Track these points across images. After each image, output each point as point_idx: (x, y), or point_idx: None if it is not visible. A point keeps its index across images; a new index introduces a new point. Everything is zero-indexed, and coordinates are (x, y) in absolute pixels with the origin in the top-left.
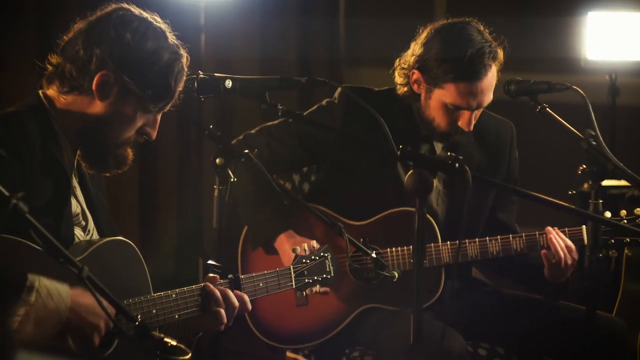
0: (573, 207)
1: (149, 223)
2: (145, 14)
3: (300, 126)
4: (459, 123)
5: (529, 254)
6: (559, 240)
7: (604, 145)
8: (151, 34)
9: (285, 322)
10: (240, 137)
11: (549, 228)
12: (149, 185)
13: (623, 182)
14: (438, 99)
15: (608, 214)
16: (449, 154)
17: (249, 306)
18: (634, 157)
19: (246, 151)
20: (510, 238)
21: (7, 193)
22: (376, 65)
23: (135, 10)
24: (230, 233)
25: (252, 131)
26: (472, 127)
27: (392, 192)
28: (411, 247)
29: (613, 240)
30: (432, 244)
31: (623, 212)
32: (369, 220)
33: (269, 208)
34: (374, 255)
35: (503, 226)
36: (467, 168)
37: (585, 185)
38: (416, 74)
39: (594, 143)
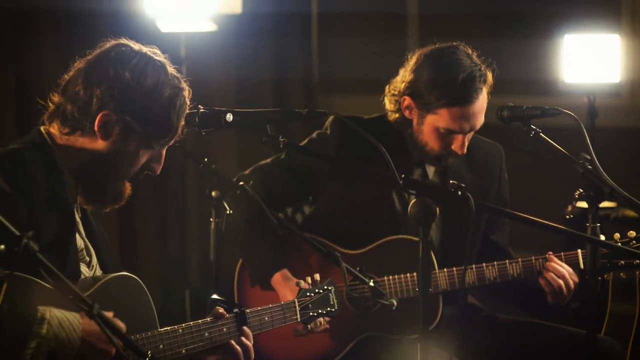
0: (574, 231)
1: (129, 253)
2: (144, 49)
3: (293, 161)
4: (453, 146)
5: (527, 280)
6: (558, 269)
7: (600, 168)
8: (150, 70)
9: (284, 353)
10: (234, 178)
11: (551, 255)
12: (128, 214)
13: (607, 204)
14: (431, 124)
15: (602, 237)
16: (450, 182)
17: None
18: (614, 177)
19: (241, 183)
20: (507, 263)
21: (17, 232)
22: (351, 90)
23: (135, 45)
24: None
25: (246, 172)
26: (465, 150)
27: (387, 220)
28: (407, 275)
29: (622, 262)
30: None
31: (617, 235)
32: (365, 249)
33: (265, 245)
34: (371, 283)
35: (497, 248)
36: (470, 195)
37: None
38: (407, 100)
39: (589, 167)
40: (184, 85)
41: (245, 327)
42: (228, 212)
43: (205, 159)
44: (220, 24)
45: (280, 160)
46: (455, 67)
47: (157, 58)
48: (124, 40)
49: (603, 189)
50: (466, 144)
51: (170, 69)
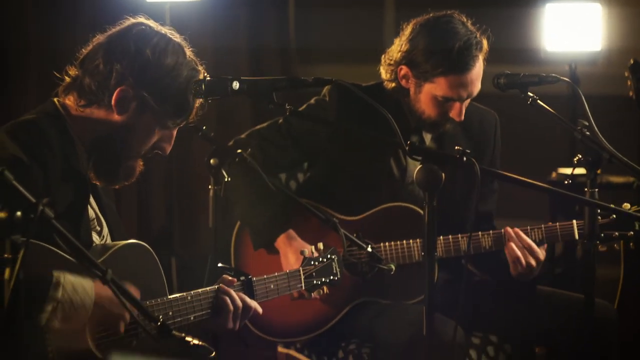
0: (573, 194)
1: None
2: (164, 30)
3: (290, 125)
4: (450, 114)
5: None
6: (517, 242)
7: (599, 134)
8: (170, 50)
9: (280, 316)
10: (231, 142)
11: (508, 229)
12: None
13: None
14: (428, 93)
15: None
16: (456, 147)
17: (260, 310)
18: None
19: (239, 151)
20: (480, 235)
21: (33, 199)
22: (327, 59)
23: (155, 25)
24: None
25: (242, 136)
26: (462, 117)
27: (385, 187)
28: (404, 242)
29: (617, 234)
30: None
31: (626, 205)
32: (362, 216)
33: (269, 210)
34: (369, 249)
35: (486, 216)
36: (475, 161)
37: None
38: (404, 70)
39: (587, 133)
40: (200, 68)
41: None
42: (226, 179)
43: (204, 127)
44: None
45: (278, 125)
46: (451, 36)
47: (175, 39)
48: (143, 19)
49: (602, 154)
50: (463, 110)
51: (188, 51)
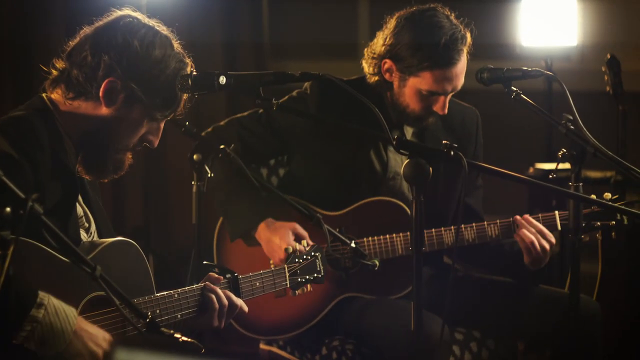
0: (561, 188)
1: None
2: (151, 22)
3: (270, 116)
4: (434, 107)
5: (505, 244)
6: (528, 227)
7: (583, 128)
8: (158, 42)
9: (264, 313)
10: (210, 129)
11: (518, 217)
12: None
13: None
14: (413, 87)
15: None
16: (444, 142)
17: (246, 309)
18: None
19: (222, 146)
20: (485, 225)
21: (22, 195)
22: (301, 55)
23: (142, 17)
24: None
25: (221, 123)
26: (446, 110)
27: (366, 181)
28: (387, 236)
29: (599, 223)
30: (408, 233)
31: (593, 197)
32: (344, 211)
33: (247, 199)
34: (353, 245)
35: (471, 211)
36: (462, 155)
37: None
38: (388, 63)
39: (572, 127)
40: (188, 60)
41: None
42: (209, 175)
43: (187, 123)
44: None
45: (259, 115)
46: (437, 30)
47: (163, 31)
48: (130, 11)
49: (587, 148)
50: (447, 104)
51: (175, 43)
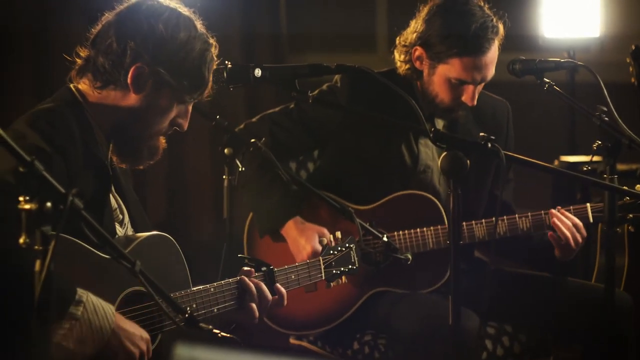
0: (596, 179)
1: None
2: (172, 3)
3: (302, 111)
4: (463, 98)
5: (534, 236)
6: (564, 221)
7: (619, 119)
8: (182, 24)
9: (295, 308)
10: (242, 125)
11: (553, 211)
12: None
13: (596, 158)
14: (442, 75)
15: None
16: (481, 134)
17: (285, 302)
18: (595, 133)
19: (253, 140)
20: (517, 218)
21: (63, 190)
22: (318, 46)
23: (163, 0)
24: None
25: (253, 120)
26: (475, 102)
27: (397, 175)
28: (418, 230)
29: (631, 215)
30: (440, 227)
31: (638, 187)
32: (375, 205)
33: (277, 195)
34: (385, 239)
35: (503, 204)
36: (500, 148)
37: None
38: (419, 51)
39: (606, 119)
40: (212, 41)
41: (279, 286)
42: (240, 169)
43: (218, 116)
44: None
45: (289, 110)
46: (468, 17)
47: (185, 13)
48: None
49: (621, 140)
50: (476, 96)
51: (199, 24)
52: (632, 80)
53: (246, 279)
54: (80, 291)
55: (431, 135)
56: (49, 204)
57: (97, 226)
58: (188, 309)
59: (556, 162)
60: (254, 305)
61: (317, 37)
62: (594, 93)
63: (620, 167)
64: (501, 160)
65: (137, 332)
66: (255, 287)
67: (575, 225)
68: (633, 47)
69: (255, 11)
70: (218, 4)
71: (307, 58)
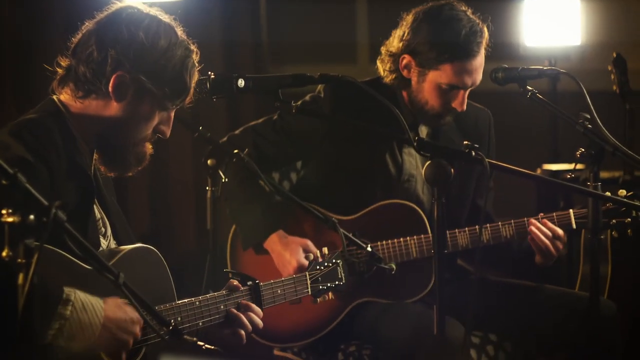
0: (580, 187)
1: None
2: (152, 11)
3: (285, 122)
4: (453, 104)
5: (513, 244)
6: (543, 230)
7: (602, 127)
8: (163, 31)
9: (279, 321)
10: (224, 138)
11: (532, 220)
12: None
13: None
14: (433, 81)
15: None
16: (465, 142)
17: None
18: (577, 141)
19: (236, 151)
20: (500, 226)
21: (45, 202)
22: (300, 56)
23: (143, 7)
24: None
25: (236, 132)
26: (465, 107)
27: (380, 184)
28: (401, 239)
29: (615, 221)
30: (423, 236)
31: (607, 194)
32: (358, 214)
33: (260, 208)
34: (369, 249)
35: (485, 214)
36: (483, 156)
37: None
38: (407, 59)
39: (589, 126)
40: (193, 47)
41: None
42: (223, 180)
43: (201, 127)
44: None
45: (273, 121)
46: (455, 23)
47: (166, 20)
48: (130, 3)
49: (605, 148)
50: (465, 100)
51: (179, 31)
52: (614, 87)
53: (234, 311)
54: (67, 289)
55: (415, 143)
56: (32, 217)
57: (80, 238)
58: (172, 321)
59: (539, 171)
60: (242, 332)
61: (298, 47)
62: (576, 101)
63: (603, 174)
64: (485, 168)
65: (127, 317)
66: (247, 317)
67: (554, 233)
68: (614, 55)
69: (236, 20)
70: (199, 14)
71: (288, 68)
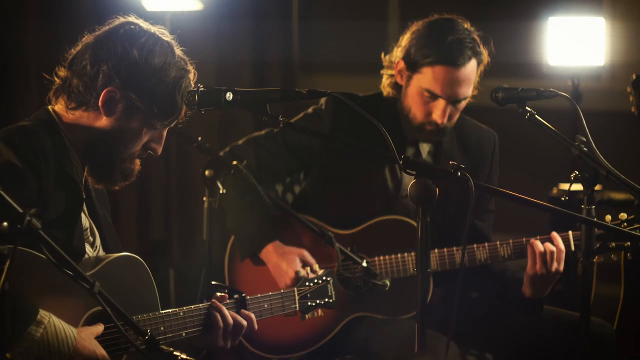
0: (571, 212)
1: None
2: (153, 29)
3: (287, 134)
4: (433, 115)
5: (506, 269)
6: (540, 250)
7: (596, 150)
8: (158, 50)
9: (275, 332)
10: (227, 148)
11: (533, 240)
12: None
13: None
14: (415, 85)
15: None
16: (451, 162)
17: (256, 326)
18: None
19: (234, 162)
20: (498, 244)
21: (20, 210)
22: (331, 72)
23: (143, 24)
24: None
25: (239, 142)
26: (445, 121)
27: (379, 199)
28: (398, 255)
29: (614, 244)
30: None
31: (608, 217)
32: (356, 229)
33: (257, 219)
34: (364, 264)
35: (479, 234)
36: (470, 176)
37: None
38: (401, 64)
39: (585, 149)
40: (190, 67)
41: (245, 311)
42: (221, 191)
43: (199, 138)
44: (205, 3)
45: (275, 134)
46: (447, 30)
47: (165, 38)
48: (132, 19)
49: (599, 171)
50: (447, 114)
51: (178, 50)
52: (632, 109)
53: (217, 303)
54: (42, 312)
55: (401, 162)
56: (5, 224)
57: (54, 246)
58: (149, 331)
59: (555, 190)
60: (219, 331)
61: (329, 62)
62: (601, 121)
63: (618, 196)
64: (470, 188)
65: (98, 353)
66: (221, 314)
67: (551, 254)
68: (634, 77)
69: (266, 36)
70: (229, 31)
71: (319, 82)
